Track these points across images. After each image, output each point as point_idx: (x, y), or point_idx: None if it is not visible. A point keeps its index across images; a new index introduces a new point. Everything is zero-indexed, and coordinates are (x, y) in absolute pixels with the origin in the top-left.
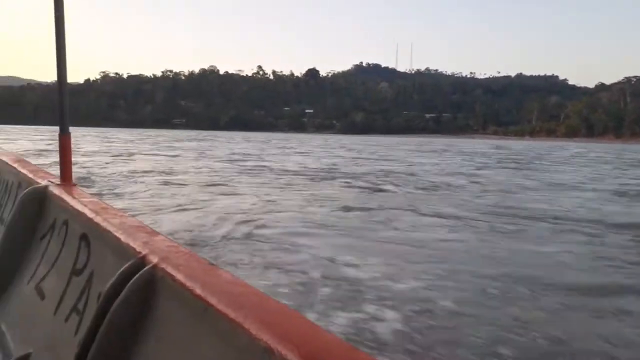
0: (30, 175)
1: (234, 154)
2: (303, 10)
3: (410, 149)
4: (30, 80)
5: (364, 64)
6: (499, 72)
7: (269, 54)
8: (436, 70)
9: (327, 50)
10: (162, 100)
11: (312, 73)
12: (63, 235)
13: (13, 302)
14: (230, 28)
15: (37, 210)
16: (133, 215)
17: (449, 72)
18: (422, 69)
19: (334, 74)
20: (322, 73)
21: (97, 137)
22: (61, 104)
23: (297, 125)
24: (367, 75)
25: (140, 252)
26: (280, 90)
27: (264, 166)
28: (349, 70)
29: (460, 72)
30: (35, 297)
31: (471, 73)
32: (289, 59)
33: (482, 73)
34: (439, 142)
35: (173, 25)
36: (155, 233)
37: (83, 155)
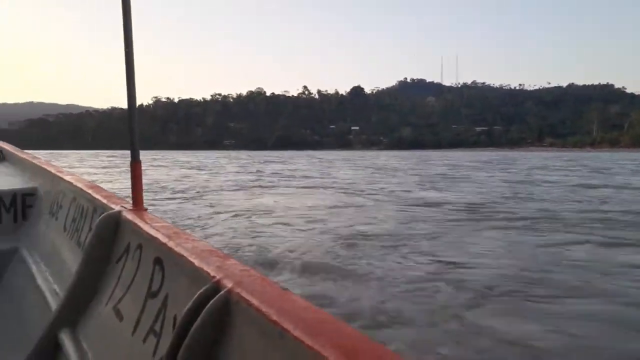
0: (104, 201)
1: (345, 181)
2: (345, 29)
3: (497, 166)
4: (89, 107)
5: (408, 80)
6: (549, 83)
7: (313, 74)
8: (483, 83)
9: (370, 68)
10: (211, 123)
11: (357, 90)
12: (137, 259)
13: (93, 322)
14: (276, 51)
15: (112, 234)
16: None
17: (496, 85)
18: (469, 82)
19: (378, 90)
20: (367, 90)
21: (165, 161)
22: (132, 135)
23: (343, 142)
24: (412, 91)
25: (214, 277)
26: (325, 108)
27: (430, 201)
28: (393, 87)
29: (509, 84)
30: (114, 318)
31: (520, 85)
32: (333, 78)
33: (532, 84)
34: (503, 156)
35: (221, 50)
36: (227, 257)
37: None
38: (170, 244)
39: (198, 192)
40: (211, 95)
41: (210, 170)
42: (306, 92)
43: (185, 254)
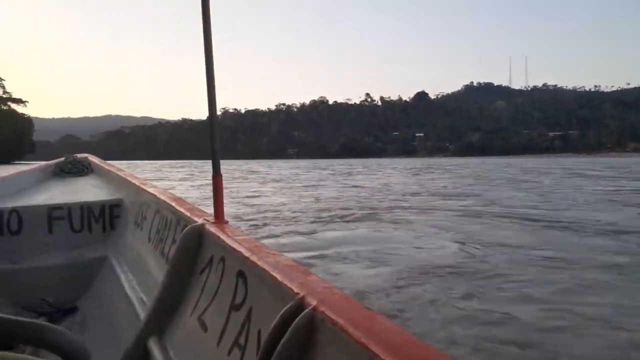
0: (188, 214)
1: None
2: (406, 34)
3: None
4: (162, 119)
5: (474, 84)
6: (628, 84)
7: (376, 81)
8: (555, 85)
9: (434, 73)
10: (276, 132)
11: (421, 96)
12: (220, 271)
13: (179, 332)
14: (338, 59)
15: (195, 246)
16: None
17: (569, 87)
18: (539, 84)
19: (443, 95)
20: (431, 95)
21: (241, 171)
22: (213, 150)
23: (408, 149)
24: (478, 95)
25: (298, 293)
26: (388, 115)
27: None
28: (459, 91)
29: (583, 86)
30: (199, 328)
31: (595, 86)
32: (396, 84)
33: (609, 85)
34: (593, 162)
35: (285, 60)
36: (309, 273)
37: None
38: (253, 257)
39: (332, 219)
40: (276, 105)
41: (302, 183)
42: (369, 100)
43: (268, 268)
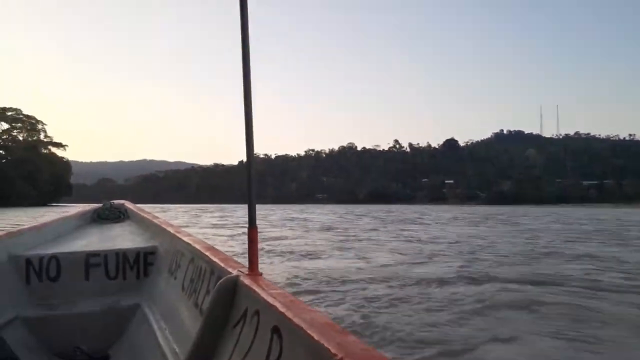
0: (222, 264)
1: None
2: (436, 82)
3: None
4: (194, 163)
5: (504, 131)
6: None
7: (405, 128)
8: (588, 133)
9: (463, 120)
10: (305, 177)
11: (450, 143)
12: (255, 326)
13: None
14: (366, 106)
15: (230, 298)
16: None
17: (602, 135)
18: (571, 133)
19: (472, 143)
20: (460, 143)
21: (282, 218)
22: (250, 203)
23: (437, 196)
24: (509, 143)
25: (335, 354)
26: (417, 162)
27: None
28: (488, 139)
29: (617, 134)
30: None
31: (630, 135)
32: (425, 131)
33: None
34: None
35: (315, 107)
36: (347, 333)
37: None
38: (289, 313)
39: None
40: (305, 151)
41: (356, 232)
42: (397, 146)
43: (304, 325)
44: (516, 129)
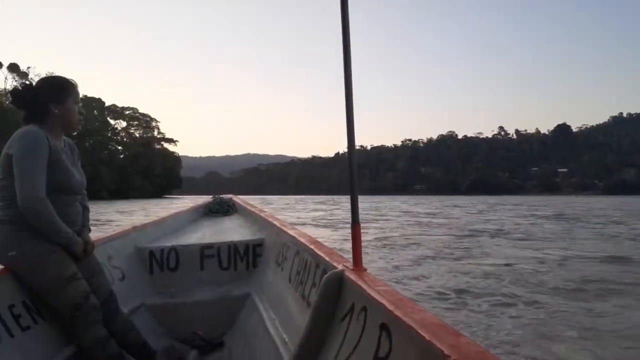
0: (327, 258)
1: None
2: (543, 63)
3: None
4: (293, 156)
5: (624, 114)
6: None
7: (510, 113)
8: None
9: (576, 104)
10: (402, 168)
11: (562, 129)
12: (362, 321)
13: None
14: (467, 92)
15: (336, 292)
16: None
17: None
18: None
19: (587, 128)
20: (573, 128)
21: (394, 212)
22: (353, 200)
23: (549, 186)
24: (629, 127)
25: (449, 356)
26: (524, 149)
27: None
28: (605, 123)
29: None
30: None
31: None
32: (532, 117)
33: None
34: None
35: (412, 96)
36: (459, 334)
37: None
38: (398, 312)
39: None
40: (401, 141)
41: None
42: (502, 133)
43: (415, 325)
44: (638, 111)
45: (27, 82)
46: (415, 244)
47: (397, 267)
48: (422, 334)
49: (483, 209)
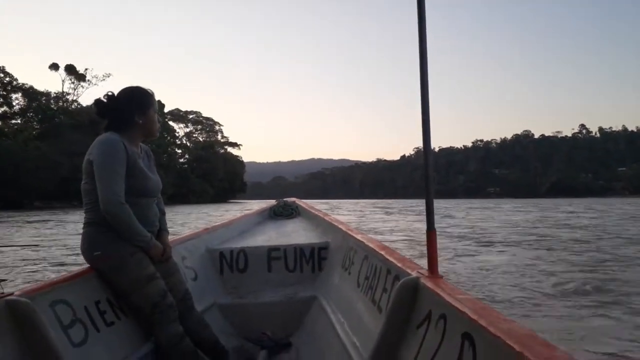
0: (399, 264)
1: None
2: (625, 54)
3: None
4: (357, 160)
5: None
6: None
7: (591, 110)
8: None
9: None
10: (474, 170)
11: None
12: (442, 330)
13: None
14: (543, 91)
15: (411, 299)
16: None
17: None
18: None
19: None
20: None
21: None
22: (428, 205)
23: None
24: None
25: None
26: (610, 148)
27: None
28: None
29: None
30: None
31: None
32: (618, 113)
33: None
34: None
35: (482, 96)
36: (552, 346)
37: None
38: (482, 321)
39: None
40: (472, 142)
41: None
42: (584, 131)
43: (502, 336)
44: None
45: (110, 93)
46: None
47: None
48: (511, 344)
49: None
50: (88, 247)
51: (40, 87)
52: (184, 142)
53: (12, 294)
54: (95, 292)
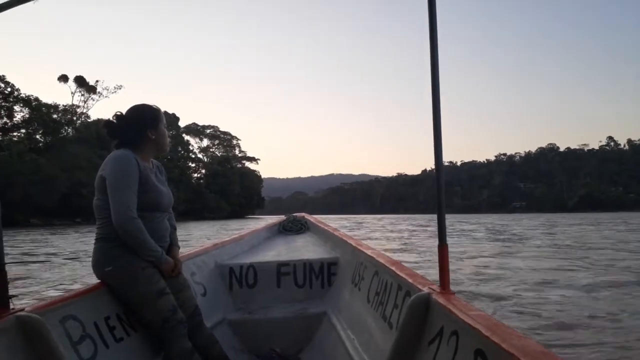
0: (410, 280)
1: None
2: None
3: None
4: (377, 175)
5: None
6: None
7: (619, 122)
8: None
9: None
10: (498, 184)
11: None
12: (454, 346)
13: None
14: (567, 102)
15: (422, 315)
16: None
17: None
18: None
19: None
20: None
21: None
22: (440, 220)
23: None
24: None
25: None
26: None
27: None
28: None
29: None
30: None
31: None
32: None
33: None
34: None
35: (504, 109)
36: None
37: None
38: (495, 338)
39: None
40: (495, 156)
41: None
42: (612, 144)
43: (516, 353)
44: None
45: (119, 113)
46: None
47: None
48: None
49: None
50: (99, 262)
51: (50, 100)
52: (200, 156)
53: (23, 309)
54: (105, 308)
